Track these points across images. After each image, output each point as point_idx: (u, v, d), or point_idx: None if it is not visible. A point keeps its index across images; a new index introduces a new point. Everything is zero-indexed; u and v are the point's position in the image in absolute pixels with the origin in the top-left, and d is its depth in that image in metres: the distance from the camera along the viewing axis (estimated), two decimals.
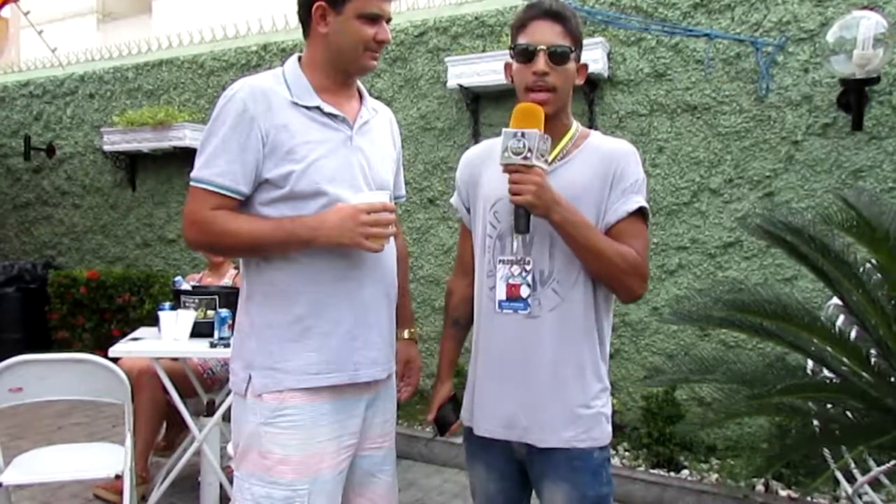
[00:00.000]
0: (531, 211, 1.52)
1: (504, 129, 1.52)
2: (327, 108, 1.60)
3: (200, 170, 1.54)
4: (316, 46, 1.62)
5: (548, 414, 1.60)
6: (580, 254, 1.57)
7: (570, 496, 1.60)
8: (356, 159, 1.63)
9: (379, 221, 1.53)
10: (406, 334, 1.89)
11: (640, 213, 1.64)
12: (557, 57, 1.57)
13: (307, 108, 1.58)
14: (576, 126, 1.70)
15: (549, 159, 1.57)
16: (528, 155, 1.48)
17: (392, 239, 1.69)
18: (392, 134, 1.81)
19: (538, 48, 1.56)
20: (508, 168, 1.51)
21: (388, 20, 1.62)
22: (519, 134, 1.49)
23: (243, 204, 1.57)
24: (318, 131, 1.58)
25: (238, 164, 1.52)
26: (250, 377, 1.58)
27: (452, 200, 1.85)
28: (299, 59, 1.66)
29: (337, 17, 1.57)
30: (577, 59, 1.63)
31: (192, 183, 1.56)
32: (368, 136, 1.69)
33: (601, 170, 1.61)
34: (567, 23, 1.59)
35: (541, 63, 1.56)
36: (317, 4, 1.57)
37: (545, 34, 1.57)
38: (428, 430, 4.18)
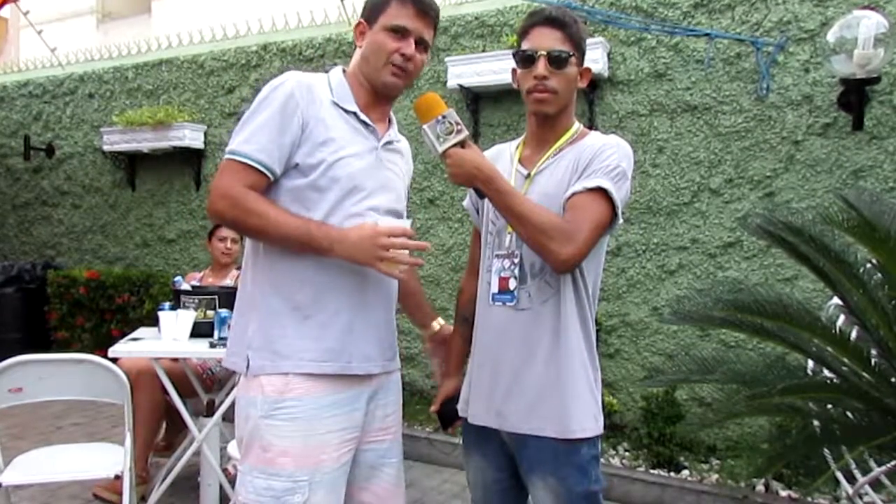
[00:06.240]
0: (461, 184, 1.62)
1: (424, 127, 1.58)
2: (362, 116, 1.67)
3: (241, 144, 1.58)
4: (354, 61, 1.72)
5: (537, 405, 1.62)
6: (506, 219, 1.62)
7: (558, 491, 1.61)
8: (380, 167, 1.70)
9: (395, 245, 1.57)
10: (436, 325, 1.95)
11: (603, 194, 1.59)
12: (556, 61, 1.64)
13: (346, 110, 1.66)
14: (576, 127, 1.75)
15: (543, 157, 1.68)
16: (435, 143, 1.57)
17: None
18: (408, 164, 1.88)
19: (538, 53, 1.64)
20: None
21: (421, 42, 1.66)
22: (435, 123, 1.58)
23: (266, 190, 1.61)
24: (352, 134, 1.65)
25: (276, 145, 1.57)
26: (249, 358, 1.62)
27: (465, 203, 1.95)
28: (343, 70, 1.73)
29: (370, 31, 1.67)
30: (579, 64, 1.69)
31: (228, 156, 1.59)
32: (391, 155, 1.76)
33: (581, 158, 1.64)
34: (567, 28, 1.65)
35: (540, 67, 1.63)
36: (357, 22, 1.69)
37: (545, 40, 1.65)
38: (428, 429, 4.18)
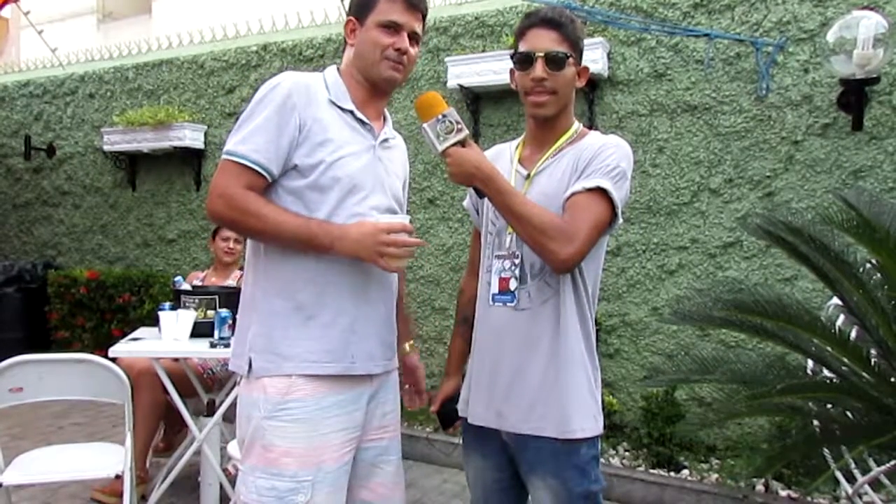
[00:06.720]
0: (460, 183, 1.62)
1: (425, 126, 1.59)
2: (359, 114, 1.68)
3: (237, 145, 1.58)
4: (347, 59, 1.72)
5: (537, 405, 1.62)
6: (505, 218, 1.62)
7: (558, 491, 1.61)
8: (378, 166, 1.71)
9: (396, 242, 1.58)
10: (408, 347, 1.94)
11: (603, 194, 1.59)
12: (553, 62, 1.64)
13: (342, 109, 1.66)
14: (576, 126, 1.75)
15: (543, 157, 1.69)
16: (435, 142, 1.58)
17: None
18: (404, 162, 1.89)
19: (535, 55, 1.64)
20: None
21: (414, 35, 1.68)
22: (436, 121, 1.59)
23: (265, 190, 1.61)
24: (349, 132, 1.66)
25: (273, 146, 1.58)
26: (251, 360, 1.62)
27: (465, 203, 1.96)
28: (338, 69, 1.74)
29: (361, 28, 1.67)
30: (577, 63, 1.69)
31: (225, 156, 1.59)
32: (388, 153, 1.77)
33: (581, 158, 1.65)
34: (563, 29, 1.65)
35: (538, 69, 1.64)
36: (347, 19, 1.70)
37: (542, 41, 1.65)
38: (428, 429, 4.18)
